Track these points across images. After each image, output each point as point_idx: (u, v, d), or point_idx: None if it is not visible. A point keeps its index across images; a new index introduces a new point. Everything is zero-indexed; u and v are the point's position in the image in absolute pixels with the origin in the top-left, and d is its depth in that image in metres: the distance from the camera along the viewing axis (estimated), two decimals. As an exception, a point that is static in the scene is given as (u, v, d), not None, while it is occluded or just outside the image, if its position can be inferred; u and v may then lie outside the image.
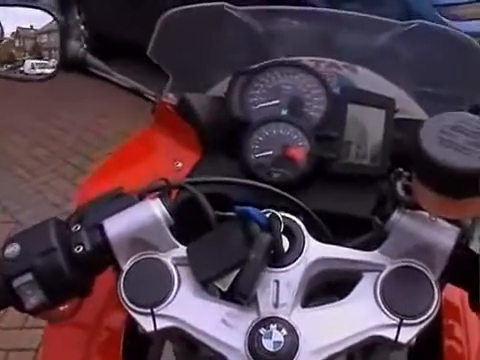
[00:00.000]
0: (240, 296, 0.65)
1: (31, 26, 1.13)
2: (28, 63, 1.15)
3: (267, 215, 0.69)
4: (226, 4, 1.05)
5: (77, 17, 6.30)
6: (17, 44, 1.15)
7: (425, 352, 0.88)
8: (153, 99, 1.06)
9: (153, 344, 0.99)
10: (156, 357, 1.00)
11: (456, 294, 0.88)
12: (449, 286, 0.74)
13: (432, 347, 0.87)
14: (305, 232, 0.70)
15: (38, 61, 1.14)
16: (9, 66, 1.18)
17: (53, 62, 1.10)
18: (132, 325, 0.84)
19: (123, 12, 5.42)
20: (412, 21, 1.03)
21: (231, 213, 0.70)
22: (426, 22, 1.04)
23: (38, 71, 1.14)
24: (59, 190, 3.50)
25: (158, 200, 0.71)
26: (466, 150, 0.58)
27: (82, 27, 6.24)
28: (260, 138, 0.87)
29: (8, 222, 3.17)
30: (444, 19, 3.35)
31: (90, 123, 4.35)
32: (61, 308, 0.74)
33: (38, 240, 0.69)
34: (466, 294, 0.71)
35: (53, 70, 1.05)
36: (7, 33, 1.13)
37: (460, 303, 0.89)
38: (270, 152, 0.87)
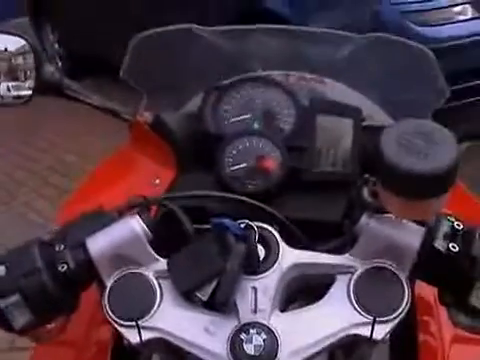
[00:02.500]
0: (220, 304, 0.68)
1: (5, 48, 1.14)
2: (4, 86, 1.15)
3: (242, 226, 0.73)
4: (194, 26, 1.09)
5: (51, 36, 6.30)
6: (-9, 67, 1.17)
7: (405, 347, 0.92)
8: (129, 118, 1.08)
9: (141, 358, 1.01)
10: None
11: (429, 291, 0.92)
12: (422, 283, 0.77)
13: (411, 342, 0.91)
14: (279, 240, 0.74)
15: (14, 83, 1.15)
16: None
17: (29, 83, 1.10)
18: (119, 339, 0.86)
19: (96, 29, 5.43)
20: (371, 34, 1.08)
21: (208, 225, 0.73)
22: (384, 34, 1.09)
23: (14, 94, 1.14)
24: (40, 211, 3.49)
25: (137, 216, 0.74)
26: (423, 154, 0.62)
27: (56, 45, 6.24)
28: (234, 151, 0.90)
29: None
30: (412, 26, 3.40)
31: (69, 143, 4.35)
32: (48, 327, 0.76)
33: (23, 261, 0.72)
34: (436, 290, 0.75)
35: (29, 93, 1.06)
36: (-19, 56, 1.15)
37: (433, 299, 0.93)
38: (244, 164, 0.89)
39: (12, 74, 1.14)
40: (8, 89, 1.16)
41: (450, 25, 3.52)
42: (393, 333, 0.71)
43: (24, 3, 6.46)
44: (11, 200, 3.72)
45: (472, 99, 3.38)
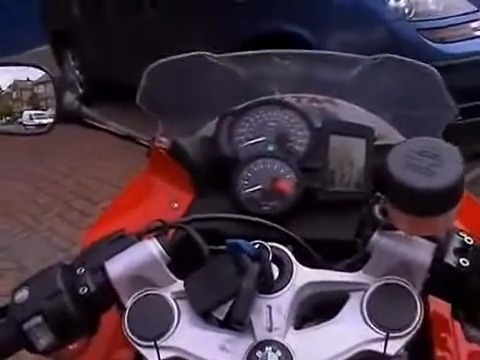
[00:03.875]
0: (236, 323, 0.69)
1: (27, 78, 1.17)
2: (26, 114, 1.18)
3: (256, 246, 0.74)
4: (206, 53, 1.12)
5: (72, 63, 6.43)
6: (14, 96, 1.20)
7: None
8: (147, 144, 1.11)
9: None
10: None
11: (445, 307, 0.93)
12: (438, 300, 0.78)
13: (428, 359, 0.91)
14: (293, 259, 0.75)
15: (36, 112, 1.18)
16: (8, 118, 1.23)
17: (50, 111, 1.13)
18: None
19: (115, 56, 5.54)
20: (379, 55, 1.10)
21: (223, 247, 0.75)
22: (391, 55, 1.11)
23: (36, 122, 1.17)
24: (64, 236, 3.53)
25: (155, 239, 0.76)
26: (429, 171, 0.63)
27: (77, 72, 6.36)
28: (249, 174, 0.92)
29: (14, 269, 3.20)
30: (430, 42, 3.41)
31: (87, 166, 4.41)
32: (70, 347, 0.78)
33: (45, 284, 0.74)
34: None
35: (50, 122, 1.10)
36: (4, 85, 1.18)
37: (448, 315, 0.93)
38: (259, 186, 0.91)
39: (34, 103, 1.18)
40: (30, 117, 1.19)
41: (467, 41, 3.51)
42: (410, 350, 0.72)
43: (46, 32, 6.62)
44: (36, 225, 3.77)
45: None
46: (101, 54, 5.75)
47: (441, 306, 0.90)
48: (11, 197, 4.15)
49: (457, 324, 0.90)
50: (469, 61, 3.35)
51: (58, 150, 4.66)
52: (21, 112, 1.19)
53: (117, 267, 0.75)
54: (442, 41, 3.46)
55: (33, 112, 1.19)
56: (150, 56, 1.16)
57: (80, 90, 6.21)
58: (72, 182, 4.28)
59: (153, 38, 4.71)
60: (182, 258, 0.77)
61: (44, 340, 0.73)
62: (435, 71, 1.08)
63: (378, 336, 0.70)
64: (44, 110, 1.17)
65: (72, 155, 4.61)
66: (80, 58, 6.32)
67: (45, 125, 1.14)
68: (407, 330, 0.70)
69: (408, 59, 1.10)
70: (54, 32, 6.54)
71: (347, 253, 0.80)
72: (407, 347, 0.71)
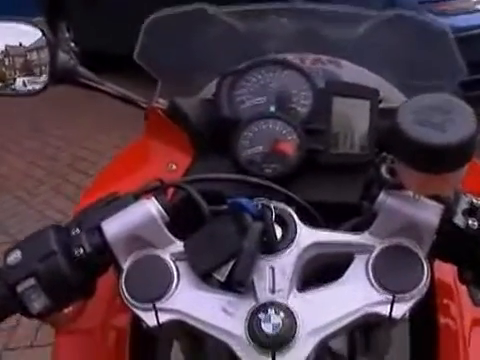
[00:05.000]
0: (237, 284, 0.67)
1: (20, 43, 1.14)
2: (19, 81, 1.15)
3: (259, 205, 0.72)
4: (208, 6, 1.08)
5: (66, 34, 6.37)
6: (7, 62, 1.16)
7: (425, 331, 0.91)
8: (144, 106, 1.08)
9: (160, 345, 1.01)
10: (166, 357, 1.02)
11: (449, 273, 0.91)
12: (441, 266, 0.76)
13: (428, 327, 0.90)
14: (296, 219, 0.73)
15: (29, 78, 1.15)
16: (0, 85, 1.20)
17: (44, 78, 1.11)
18: (137, 326, 0.86)
19: (112, 27, 5.47)
20: (390, 11, 1.06)
21: (224, 207, 0.73)
22: (403, 11, 1.07)
23: (29, 88, 1.15)
24: (60, 209, 3.51)
25: (153, 199, 0.73)
26: (441, 127, 0.61)
27: (72, 44, 6.31)
28: (250, 135, 0.90)
29: (8, 243, 3.18)
30: (430, 15, 3.37)
31: (83, 139, 4.37)
32: (66, 311, 0.76)
33: (38, 246, 0.71)
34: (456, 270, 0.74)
35: (44, 82, 1.06)
36: (-4, 52, 1.15)
37: (453, 282, 0.92)
38: (260, 148, 0.89)
39: (27, 69, 1.15)
40: (24, 84, 1.16)
41: (468, 15, 3.49)
42: (413, 316, 0.70)
43: (41, 4, 6.54)
44: (30, 198, 3.74)
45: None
46: (96, 26, 5.69)
47: (445, 273, 0.88)
48: (6, 171, 4.12)
49: (461, 291, 0.89)
50: (470, 34, 3.32)
51: (54, 123, 4.63)
52: (14, 79, 1.17)
53: (114, 227, 0.72)
54: (443, 14, 3.42)
55: (26, 78, 1.16)
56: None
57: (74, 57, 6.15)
58: (68, 155, 4.24)
59: (149, 9, 4.63)
60: (181, 219, 0.74)
61: (38, 303, 0.70)
62: (447, 30, 1.05)
63: (383, 299, 0.68)
64: (38, 76, 1.14)
65: (68, 128, 4.57)
66: (74, 30, 6.26)
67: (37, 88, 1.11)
68: (413, 293, 0.67)
69: (419, 15, 1.07)
70: (49, 3, 6.47)
71: (350, 217, 0.78)
72: (411, 311, 0.69)
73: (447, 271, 0.88)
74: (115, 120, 3.99)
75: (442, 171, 0.62)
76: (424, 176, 0.63)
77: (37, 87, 1.12)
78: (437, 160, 0.61)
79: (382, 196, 0.70)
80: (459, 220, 0.68)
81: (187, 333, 0.83)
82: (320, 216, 0.80)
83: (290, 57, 1.00)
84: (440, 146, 0.60)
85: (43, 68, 1.11)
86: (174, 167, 0.95)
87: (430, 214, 0.69)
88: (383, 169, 0.71)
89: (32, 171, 4.09)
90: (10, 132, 4.53)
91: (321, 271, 0.75)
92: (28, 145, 4.41)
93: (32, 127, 4.58)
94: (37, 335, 2.42)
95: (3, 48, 1.14)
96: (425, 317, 0.86)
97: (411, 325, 0.94)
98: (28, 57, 1.14)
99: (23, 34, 1.14)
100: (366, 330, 0.84)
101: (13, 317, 0.72)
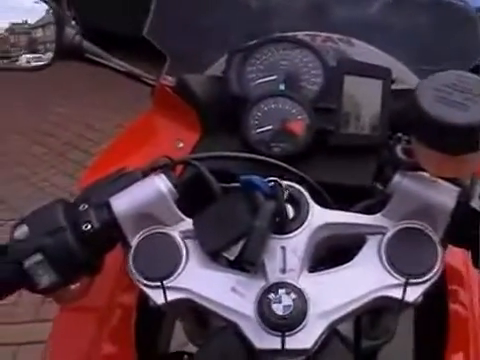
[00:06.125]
0: (248, 264, 0.66)
1: (25, 21, 1.13)
2: (23, 58, 1.14)
3: (271, 184, 0.70)
4: None
5: (68, 13, 6.31)
6: (12, 40, 1.15)
7: (430, 318, 0.90)
8: (151, 83, 1.06)
9: (164, 325, 1.00)
10: (167, 337, 1.01)
11: (460, 259, 0.90)
12: (452, 252, 0.75)
13: (436, 313, 0.89)
14: (309, 199, 0.72)
15: (33, 55, 1.14)
16: (4, 61, 1.18)
17: (49, 56, 1.09)
18: (143, 305, 0.85)
19: (113, 6, 5.43)
20: None
21: (235, 184, 0.71)
22: None
23: (34, 65, 1.14)
24: (60, 186, 3.50)
25: (162, 175, 0.72)
26: (462, 106, 0.59)
27: (73, 22, 6.25)
28: (259, 114, 0.88)
29: (11, 220, 3.18)
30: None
31: (86, 117, 4.35)
32: (72, 287, 0.75)
33: (46, 220, 0.70)
34: (469, 257, 0.73)
35: (50, 57, 1.05)
36: (1, 29, 1.13)
37: (464, 268, 0.91)
38: (270, 127, 0.88)
39: (32, 47, 1.13)
40: (28, 61, 1.15)
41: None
42: (420, 303, 0.69)
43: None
44: (30, 175, 3.73)
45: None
46: (98, 4, 5.64)
47: (456, 259, 0.87)
48: (6, 148, 4.09)
49: (472, 278, 0.88)
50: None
51: (56, 102, 4.59)
52: (19, 56, 1.15)
53: (123, 203, 0.71)
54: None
55: (31, 56, 1.15)
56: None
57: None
58: (68, 133, 4.21)
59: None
60: (191, 196, 0.73)
61: (45, 279, 0.69)
62: (469, 6, 1.03)
63: (396, 282, 0.67)
64: (43, 54, 1.12)
65: (70, 107, 4.53)
66: (76, 8, 6.20)
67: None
68: (427, 277, 0.66)
69: None
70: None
71: (360, 200, 0.76)
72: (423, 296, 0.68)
73: (458, 258, 0.87)
74: (118, 100, 3.96)
75: (462, 152, 0.61)
76: (443, 157, 0.61)
77: (41, 63, 1.11)
78: (458, 140, 0.60)
79: (397, 177, 0.69)
80: (476, 204, 0.67)
81: (193, 313, 0.83)
82: (330, 198, 0.79)
83: (301, 35, 0.98)
84: (462, 125, 0.58)
85: (48, 45, 1.10)
86: (181, 145, 0.94)
87: (446, 197, 0.68)
88: (398, 150, 0.70)
89: (32, 148, 4.06)
90: (12, 110, 4.49)
91: (332, 254, 0.74)
92: (30, 123, 4.37)
93: (35, 105, 4.54)
94: (39, 310, 2.41)
95: (8, 25, 1.12)
96: (433, 304, 0.85)
97: (416, 312, 0.93)
98: (33, 35, 1.13)
99: (28, 11, 1.13)
100: (373, 315, 0.84)
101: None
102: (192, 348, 0.95)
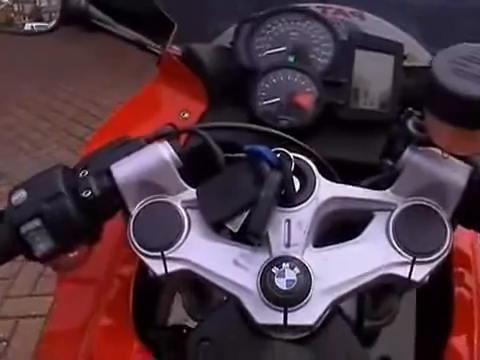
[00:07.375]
0: (252, 235, 0.64)
1: (29, -12, 1.12)
2: (28, 26, 1.13)
3: (278, 155, 0.68)
4: None
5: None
6: (16, 8, 1.14)
7: (433, 300, 0.88)
8: (158, 52, 1.04)
9: (163, 299, 0.99)
10: (166, 312, 1.00)
11: (467, 242, 0.88)
12: (459, 233, 0.73)
13: (440, 296, 0.87)
14: (316, 172, 0.69)
15: (38, 23, 1.13)
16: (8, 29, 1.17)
17: (53, 24, 1.08)
18: (142, 276, 0.84)
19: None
20: None
21: (240, 155, 0.69)
22: None
23: (38, 29, 1.13)
24: (63, 161, 3.49)
25: (166, 143, 0.70)
26: (478, 78, 0.57)
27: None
28: (267, 85, 0.86)
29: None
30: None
31: (91, 94, 4.33)
32: (70, 255, 0.74)
33: (45, 186, 0.69)
34: (477, 240, 0.71)
35: (56, 21, 1.03)
36: (6, -3, 1.12)
37: (470, 251, 0.89)
38: (278, 99, 0.86)
39: (36, 15, 1.13)
40: (32, 29, 1.13)
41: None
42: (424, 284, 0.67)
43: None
44: (34, 150, 3.71)
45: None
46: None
47: (463, 242, 0.85)
48: (12, 122, 4.08)
49: (479, 261, 0.86)
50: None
51: (65, 80, 4.56)
52: (23, 24, 1.14)
53: (124, 170, 0.69)
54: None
55: (35, 24, 1.13)
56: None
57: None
58: (74, 109, 4.20)
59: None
60: (195, 166, 0.71)
61: (43, 245, 0.68)
62: None
63: (403, 260, 0.64)
64: (47, 23, 1.11)
65: (77, 84, 4.51)
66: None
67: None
68: (435, 256, 0.64)
69: None
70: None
71: (367, 176, 0.74)
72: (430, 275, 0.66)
73: (465, 240, 0.85)
74: (125, 77, 3.93)
75: (477, 125, 0.58)
76: (457, 131, 0.59)
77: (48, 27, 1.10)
78: (474, 113, 0.57)
79: (408, 152, 0.67)
80: None
81: (192, 286, 0.81)
82: (337, 173, 0.77)
83: (312, 6, 0.96)
84: (478, 98, 0.56)
85: (53, 14, 1.09)
86: (186, 115, 0.93)
87: (457, 174, 0.66)
88: (410, 124, 0.67)
89: (38, 123, 4.05)
90: (21, 86, 4.48)
91: (338, 230, 0.72)
92: (37, 98, 4.36)
93: (43, 82, 4.53)
94: (37, 284, 2.41)
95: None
96: (437, 286, 0.84)
97: (419, 293, 0.92)
98: (37, 3, 1.12)
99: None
100: (376, 295, 0.82)
101: (14, 265, 0.70)
102: (191, 325, 0.94)
